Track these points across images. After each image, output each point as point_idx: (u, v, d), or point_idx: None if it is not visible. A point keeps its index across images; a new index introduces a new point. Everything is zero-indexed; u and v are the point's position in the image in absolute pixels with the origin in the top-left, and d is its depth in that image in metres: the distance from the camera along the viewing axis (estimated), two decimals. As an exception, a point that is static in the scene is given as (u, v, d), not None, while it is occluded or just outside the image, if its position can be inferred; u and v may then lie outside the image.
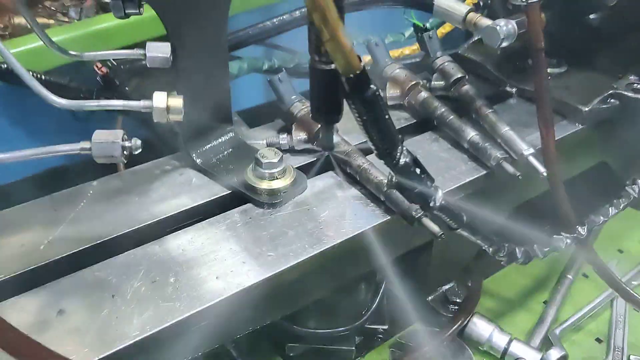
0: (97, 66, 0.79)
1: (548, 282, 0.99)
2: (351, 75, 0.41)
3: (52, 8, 1.11)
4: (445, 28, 1.21)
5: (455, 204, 0.60)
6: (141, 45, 0.94)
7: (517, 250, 0.70)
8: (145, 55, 0.64)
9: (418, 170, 0.53)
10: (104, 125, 0.88)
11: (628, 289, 0.88)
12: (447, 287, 0.91)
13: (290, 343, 0.85)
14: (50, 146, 0.55)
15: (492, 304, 0.95)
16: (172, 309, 0.56)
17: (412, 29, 1.30)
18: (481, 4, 1.19)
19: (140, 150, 0.58)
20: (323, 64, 0.45)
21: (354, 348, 0.86)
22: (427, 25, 1.23)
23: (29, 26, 1.02)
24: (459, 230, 0.62)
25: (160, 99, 0.59)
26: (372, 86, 0.43)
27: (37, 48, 0.84)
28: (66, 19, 1.07)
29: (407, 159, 0.51)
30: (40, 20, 1.06)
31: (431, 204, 0.55)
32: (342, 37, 0.38)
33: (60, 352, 0.46)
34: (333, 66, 0.44)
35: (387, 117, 0.47)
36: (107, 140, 0.55)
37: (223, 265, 0.61)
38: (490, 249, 0.68)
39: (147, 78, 0.85)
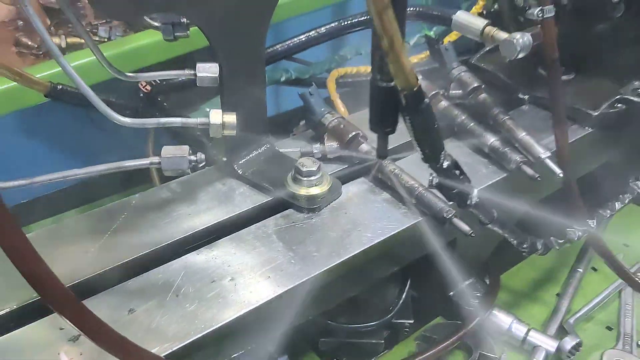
0: (141, 84, 0.84)
1: (560, 276, 1.06)
2: (409, 92, 0.47)
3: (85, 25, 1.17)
4: (451, 37, 1.27)
5: (487, 202, 0.66)
6: (171, 61, 1.01)
7: (537, 242, 0.76)
8: (195, 75, 0.70)
9: (458, 172, 0.59)
10: (127, 140, 0.94)
11: (636, 278, 0.94)
12: (467, 282, 0.96)
13: (323, 338, 0.91)
14: (121, 162, 0.61)
15: (509, 297, 1.01)
16: (232, 305, 0.62)
17: (416, 37, 1.37)
18: (484, 12, 1.26)
19: (204, 163, 0.64)
20: (384, 82, 0.51)
21: (382, 341, 0.91)
22: (432, 34, 1.30)
23: (62, 45, 1.09)
24: (489, 225, 0.68)
25: (216, 116, 0.64)
26: (426, 100, 0.49)
27: (77, 67, 0.90)
28: (96, 38, 1.13)
29: (449, 162, 0.57)
30: (71, 40, 1.11)
31: (468, 202, 0.61)
32: (405, 59, 0.44)
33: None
34: (392, 84, 0.49)
35: (437, 126, 0.53)
36: (175, 155, 0.61)
37: (274, 265, 0.67)
38: (515, 242, 0.74)
39: (183, 94, 0.91)
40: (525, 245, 0.75)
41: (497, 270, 1.00)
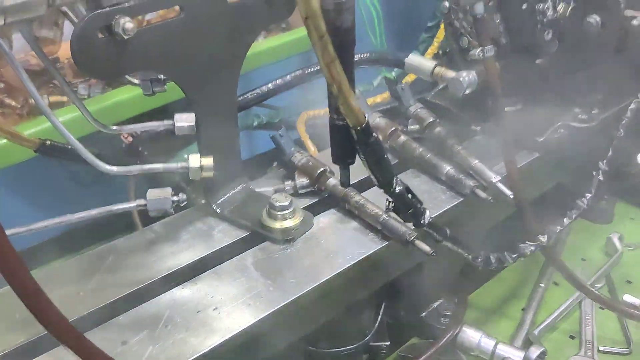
0: (124, 136, 0.91)
1: (524, 292, 1.13)
2: (358, 128, 0.55)
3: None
4: (410, 77, 1.37)
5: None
6: (148, 113, 1.08)
7: (491, 256, 0.83)
8: (173, 125, 0.77)
9: (410, 195, 0.66)
10: (104, 189, 1.00)
11: (593, 290, 1.02)
12: (437, 303, 1.03)
13: (306, 364, 0.96)
14: (109, 206, 0.67)
15: (477, 315, 1.08)
16: (217, 331, 0.68)
17: (379, 78, 1.47)
18: (440, 52, 1.37)
19: (186, 202, 0.70)
20: (340, 120, 0.59)
21: (362, 363, 0.97)
22: (392, 76, 1.40)
23: (46, 102, 1.15)
24: (443, 242, 0.75)
25: (195, 160, 0.72)
26: (373, 134, 0.57)
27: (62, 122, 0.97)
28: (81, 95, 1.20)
29: (401, 187, 0.64)
30: (53, 98, 1.18)
31: (422, 222, 0.69)
32: (353, 101, 0.52)
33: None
34: (345, 122, 0.57)
35: (385, 156, 0.60)
36: (160, 197, 0.68)
37: (254, 293, 0.73)
38: (470, 257, 0.82)
39: (162, 142, 0.98)
40: (479, 260, 0.82)
41: (465, 290, 1.07)
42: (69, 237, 1.13)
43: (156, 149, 1.03)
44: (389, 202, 0.67)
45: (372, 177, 0.62)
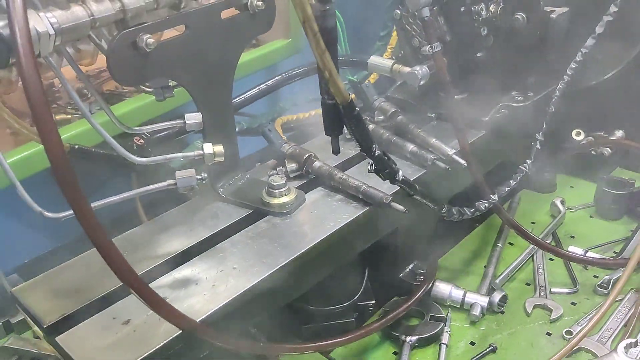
0: (136, 139, 1.06)
1: (485, 253, 1.31)
2: (345, 104, 0.72)
3: (63, 105, 1.38)
4: (371, 79, 1.56)
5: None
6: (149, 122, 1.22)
7: (452, 209, 1.01)
8: (184, 123, 0.92)
9: (386, 158, 0.83)
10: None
11: (544, 242, 1.21)
12: (412, 265, 1.20)
13: (304, 324, 1.11)
14: (144, 187, 0.83)
15: (447, 274, 1.25)
16: (243, 277, 0.83)
17: (345, 83, 1.64)
18: (393, 57, 1.56)
19: (206, 179, 0.86)
20: (330, 100, 0.76)
21: (353, 319, 1.13)
22: (355, 79, 1.58)
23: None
24: (414, 196, 0.93)
25: (209, 147, 0.87)
26: (357, 108, 0.74)
27: (81, 132, 1.12)
28: (77, 115, 1.34)
29: (379, 151, 0.81)
30: (59, 116, 1.32)
31: (397, 178, 0.86)
32: (340, 83, 0.69)
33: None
34: (334, 101, 0.74)
35: (366, 125, 0.77)
36: (186, 176, 0.83)
37: (266, 253, 0.89)
38: (436, 208, 0.99)
39: (166, 146, 1.13)
40: (443, 211, 1.00)
41: (435, 253, 1.25)
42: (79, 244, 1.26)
43: (163, 151, 1.18)
44: (370, 164, 0.84)
45: (357, 143, 0.79)
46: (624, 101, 1.49)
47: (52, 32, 0.70)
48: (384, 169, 0.83)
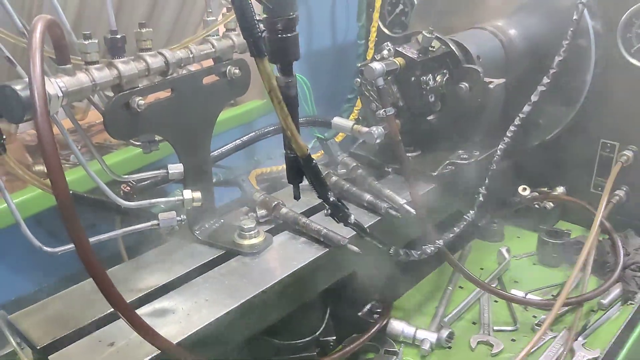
0: (123, 186, 1.19)
1: (437, 295, 1.44)
2: (304, 158, 0.87)
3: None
4: (338, 137, 1.73)
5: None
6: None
7: (400, 250, 1.15)
8: (167, 172, 1.06)
9: (340, 204, 0.97)
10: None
11: (489, 285, 1.35)
12: (369, 305, 1.32)
13: (269, 358, 1.22)
14: (132, 226, 0.95)
15: (402, 313, 1.38)
16: (214, 307, 0.95)
17: (313, 141, 1.81)
18: (360, 117, 1.74)
19: (185, 221, 0.99)
20: (292, 154, 0.90)
21: (315, 353, 1.24)
22: (325, 136, 1.74)
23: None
24: (366, 237, 1.06)
25: (188, 193, 1.01)
26: (314, 161, 0.88)
27: (73, 179, 1.24)
28: (68, 164, 1.47)
29: (334, 198, 0.95)
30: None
31: (349, 221, 1.00)
32: (299, 141, 0.84)
33: None
34: (295, 155, 0.88)
35: (322, 175, 0.92)
36: (168, 217, 0.96)
37: (235, 287, 1.01)
38: (385, 248, 1.12)
39: (149, 193, 1.26)
40: (391, 251, 1.13)
41: (391, 295, 1.38)
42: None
43: (145, 197, 1.31)
44: (327, 209, 0.98)
45: (315, 190, 0.93)
46: (564, 160, 1.67)
47: (60, 94, 0.84)
48: (338, 213, 0.97)
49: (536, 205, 1.69)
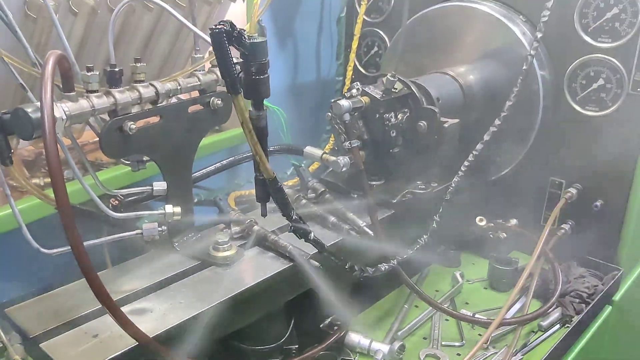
0: (112, 200, 1.32)
1: (394, 313, 1.58)
2: (270, 180, 1.01)
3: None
4: (314, 166, 1.88)
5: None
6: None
7: (355, 266, 1.29)
8: (152, 189, 1.20)
9: (302, 222, 1.11)
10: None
11: (439, 304, 1.49)
12: (330, 318, 1.45)
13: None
14: (117, 234, 1.09)
15: (361, 327, 1.51)
16: (187, 309, 1.08)
17: (291, 169, 1.96)
18: (336, 147, 1.89)
19: (166, 231, 1.13)
20: (260, 176, 1.04)
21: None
22: (303, 164, 1.89)
23: (41, 184, 1.55)
24: (324, 253, 1.20)
25: (169, 207, 1.15)
26: (279, 183, 1.03)
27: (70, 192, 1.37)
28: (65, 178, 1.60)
29: (296, 216, 1.10)
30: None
31: (309, 238, 1.14)
32: (267, 165, 0.99)
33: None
34: (263, 177, 1.03)
35: (286, 196, 1.06)
36: (151, 227, 1.10)
37: (207, 294, 1.14)
38: (341, 264, 1.26)
39: (133, 208, 1.40)
40: (347, 267, 1.27)
41: (352, 310, 1.51)
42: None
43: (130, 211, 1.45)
44: (290, 226, 1.12)
45: (280, 209, 1.07)
46: (519, 194, 1.83)
47: (64, 117, 0.98)
48: (299, 230, 1.12)
49: (491, 235, 1.84)
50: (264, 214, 1.13)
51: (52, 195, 1.02)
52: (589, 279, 1.65)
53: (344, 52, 2.07)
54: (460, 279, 1.70)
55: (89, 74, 1.03)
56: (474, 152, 1.56)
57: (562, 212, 1.72)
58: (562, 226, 1.74)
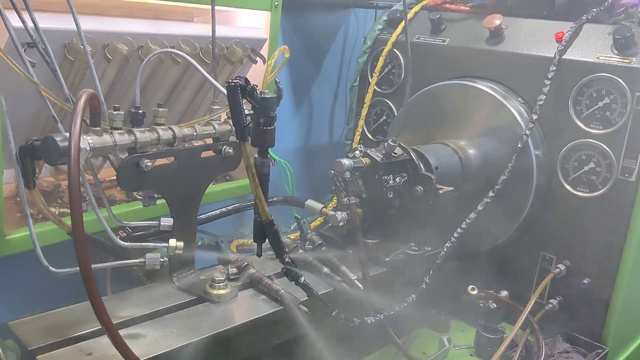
0: (120, 232, 1.41)
1: (379, 369, 1.62)
2: (267, 222, 1.10)
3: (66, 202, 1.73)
4: (317, 222, 1.97)
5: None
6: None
7: (341, 314, 1.34)
8: (159, 224, 1.29)
9: (294, 265, 1.19)
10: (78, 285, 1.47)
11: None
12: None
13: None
14: (121, 261, 1.17)
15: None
16: (176, 340, 1.14)
17: (295, 224, 2.04)
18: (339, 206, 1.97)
19: (168, 261, 1.21)
20: (259, 218, 1.13)
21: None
22: (307, 219, 1.98)
23: (57, 212, 1.64)
24: (313, 297, 1.27)
25: (173, 242, 1.23)
26: (275, 226, 1.11)
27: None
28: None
29: (289, 260, 1.17)
30: (62, 209, 1.68)
31: (300, 281, 1.21)
32: (265, 208, 1.08)
33: None
34: (261, 219, 1.12)
35: (281, 239, 1.14)
36: (153, 257, 1.18)
37: (197, 327, 1.21)
38: (328, 310, 1.32)
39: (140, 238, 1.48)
40: (333, 313, 1.33)
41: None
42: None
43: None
44: (283, 268, 1.20)
45: (274, 251, 1.15)
46: (511, 266, 1.89)
47: (88, 149, 1.09)
48: (291, 272, 1.19)
49: (481, 304, 1.89)
50: (259, 254, 1.21)
51: (67, 222, 1.12)
52: (573, 354, 1.68)
53: (354, 118, 2.19)
54: (447, 343, 1.73)
55: (114, 112, 1.15)
56: (467, 221, 1.64)
57: (551, 287, 1.77)
58: (550, 301, 1.79)
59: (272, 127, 1.08)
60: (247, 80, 1.03)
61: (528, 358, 1.66)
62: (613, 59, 1.64)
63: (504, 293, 1.90)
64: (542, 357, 1.60)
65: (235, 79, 1.00)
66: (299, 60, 2.38)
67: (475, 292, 1.90)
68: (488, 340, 1.72)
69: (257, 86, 1.05)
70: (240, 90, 1.00)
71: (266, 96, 1.05)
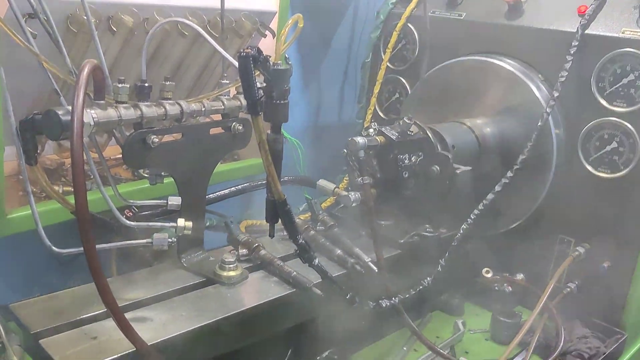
0: (126, 211, 1.36)
1: (393, 352, 1.57)
2: (280, 201, 1.04)
3: (69, 180, 1.68)
4: (327, 202, 1.91)
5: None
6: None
7: (356, 297, 1.29)
8: (167, 203, 1.24)
9: (308, 247, 1.14)
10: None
11: (437, 348, 1.48)
12: (329, 350, 1.45)
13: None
14: (127, 241, 1.12)
15: (358, 366, 1.51)
16: (190, 322, 1.10)
17: (305, 204, 1.99)
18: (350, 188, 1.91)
19: (176, 242, 1.16)
20: (271, 197, 1.08)
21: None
22: (317, 200, 1.92)
23: (60, 191, 1.59)
24: (326, 279, 1.22)
25: (181, 221, 1.18)
26: (288, 205, 1.06)
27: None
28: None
29: (302, 240, 1.12)
30: (66, 188, 1.63)
31: (314, 263, 1.16)
32: (278, 186, 1.02)
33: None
34: (274, 198, 1.06)
35: (294, 220, 1.09)
36: (161, 237, 1.13)
37: (208, 308, 1.16)
38: (342, 293, 1.27)
39: (146, 218, 1.44)
40: (348, 297, 1.28)
41: (351, 347, 1.51)
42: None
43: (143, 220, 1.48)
44: (296, 249, 1.14)
45: (287, 231, 1.10)
46: (528, 249, 1.83)
47: (92, 123, 1.03)
48: (304, 254, 1.14)
49: (496, 288, 1.83)
50: (271, 235, 1.16)
51: (71, 201, 1.06)
52: (592, 340, 1.63)
53: (365, 96, 2.13)
54: (461, 327, 1.69)
55: (119, 85, 1.09)
56: (485, 202, 1.58)
57: (569, 270, 1.72)
58: (568, 284, 1.74)
59: (286, 101, 1.02)
60: (259, 51, 0.97)
61: (545, 343, 1.61)
62: (639, 33, 1.57)
63: (520, 276, 1.84)
64: (562, 342, 1.55)
65: (247, 48, 0.94)
66: (308, 35, 2.31)
67: (489, 275, 1.84)
68: (504, 324, 1.67)
69: (270, 57, 0.99)
70: (252, 61, 0.94)
71: (280, 67, 0.99)
